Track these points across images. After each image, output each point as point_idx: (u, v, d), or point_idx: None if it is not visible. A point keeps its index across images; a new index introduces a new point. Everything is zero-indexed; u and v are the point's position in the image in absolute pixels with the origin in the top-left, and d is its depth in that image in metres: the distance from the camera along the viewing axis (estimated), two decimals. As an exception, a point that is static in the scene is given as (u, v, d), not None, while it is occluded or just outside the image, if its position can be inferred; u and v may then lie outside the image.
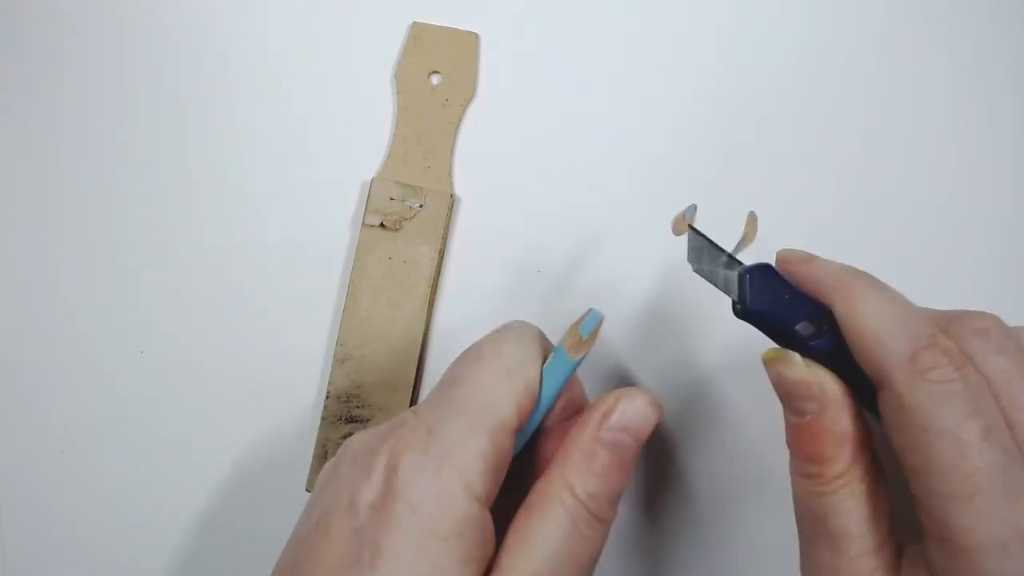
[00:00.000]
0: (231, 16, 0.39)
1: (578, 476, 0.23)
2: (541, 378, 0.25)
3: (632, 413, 0.24)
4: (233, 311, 0.37)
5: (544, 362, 0.26)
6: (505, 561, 0.22)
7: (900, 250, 0.35)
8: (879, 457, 0.24)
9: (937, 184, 0.35)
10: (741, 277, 0.25)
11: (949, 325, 0.24)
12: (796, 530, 0.25)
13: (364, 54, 0.38)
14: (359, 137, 0.37)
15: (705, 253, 0.25)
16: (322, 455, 0.35)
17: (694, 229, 0.25)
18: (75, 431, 0.36)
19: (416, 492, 0.22)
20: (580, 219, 0.36)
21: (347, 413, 0.35)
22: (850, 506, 0.23)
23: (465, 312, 0.36)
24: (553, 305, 0.35)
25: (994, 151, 0.36)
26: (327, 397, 0.35)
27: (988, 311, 0.25)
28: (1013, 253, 0.35)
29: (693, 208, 0.36)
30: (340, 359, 0.35)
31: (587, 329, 0.26)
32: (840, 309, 0.24)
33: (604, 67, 0.37)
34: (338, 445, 0.34)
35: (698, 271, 0.25)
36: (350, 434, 0.34)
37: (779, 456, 0.26)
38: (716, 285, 0.26)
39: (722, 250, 0.26)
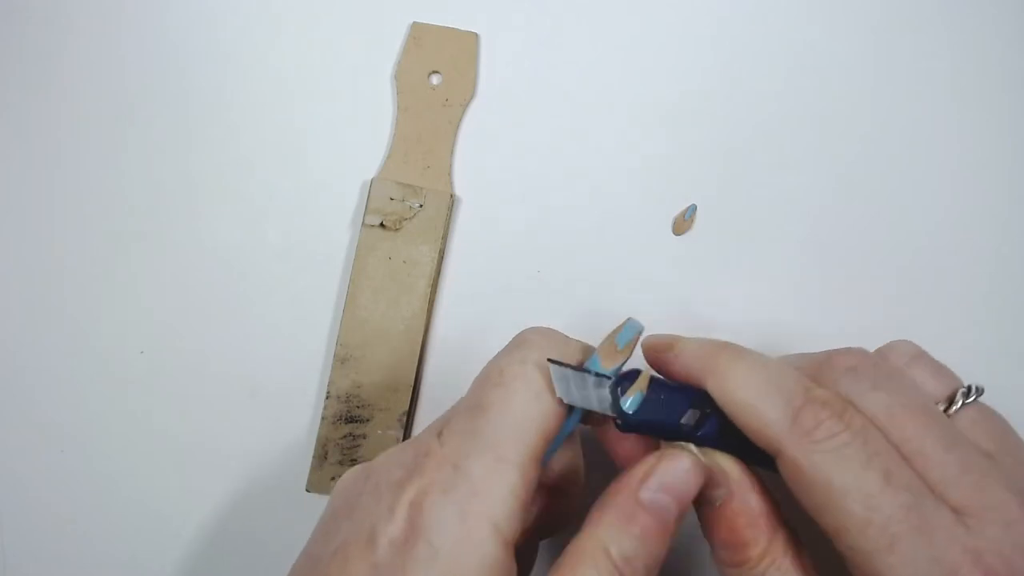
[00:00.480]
0: (231, 16, 0.39)
1: (614, 537, 0.22)
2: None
3: (674, 473, 0.23)
4: (233, 311, 0.37)
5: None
6: None
7: (900, 249, 0.35)
8: (792, 516, 0.24)
9: (937, 184, 0.35)
10: (613, 393, 0.24)
11: (820, 372, 0.24)
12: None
13: (364, 54, 0.38)
14: (359, 137, 0.37)
15: (571, 381, 0.24)
16: (322, 455, 0.35)
17: (553, 361, 0.24)
18: (75, 431, 0.36)
19: (439, 534, 0.21)
20: (580, 219, 0.36)
21: (347, 413, 0.35)
22: None
23: (465, 312, 0.36)
24: (553, 305, 0.35)
25: (994, 151, 0.36)
26: (327, 397, 0.35)
27: (859, 348, 0.25)
28: (1013, 253, 0.35)
29: (693, 208, 0.36)
30: (340, 359, 0.35)
31: (624, 339, 0.25)
32: (712, 389, 0.24)
33: (604, 67, 0.37)
34: (338, 445, 0.34)
35: (570, 402, 0.24)
36: (350, 434, 0.35)
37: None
38: (593, 409, 0.24)
39: (587, 371, 0.24)
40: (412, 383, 0.35)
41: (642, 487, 0.23)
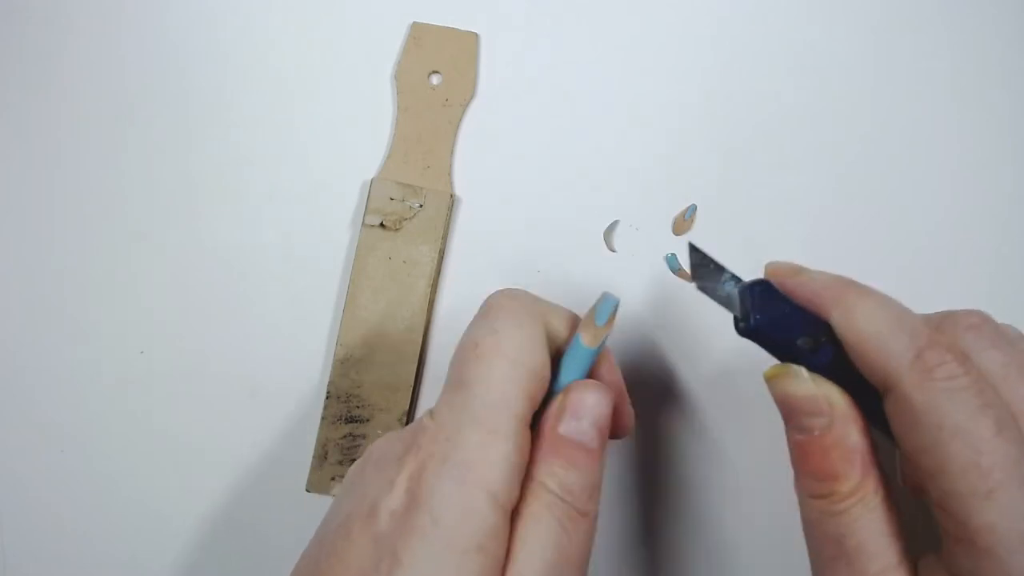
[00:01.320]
0: (231, 16, 0.39)
1: (548, 471, 0.24)
2: (559, 362, 0.26)
3: (583, 402, 0.24)
4: (233, 311, 0.37)
5: (545, 332, 0.25)
6: (508, 570, 0.22)
7: (900, 249, 0.35)
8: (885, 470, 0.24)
9: (937, 184, 0.35)
10: (742, 293, 0.25)
11: (942, 324, 0.24)
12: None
13: (364, 54, 0.38)
14: (359, 137, 0.37)
15: (710, 269, 0.25)
16: (322, 455, 0.35)
17: (695, 248, 0.25)
18: (75, 431, 0.36)
19: (439, 504, 0.22)
20: (580, 219, 0.36)
21: (347, 413, 0.35)
22: (867, 522, 0.23)
23: (465, 312, 0.36)
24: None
25: (994, 151, 0.36)
26: (327, 397, 0.35)
27: (981, 309, 0.25)
28: (1012, 253, 0.35)
29: (693, 208, 0.36)
30: (340, 359, 0.35)
31: (602, 316, 0.26)
32: (837, 318, 0.24)
33: (604, 67, 0.37)
34: (338, 445, 0.34)
35: (701, 288, 0.25)
36: (350, 434, 0.35)
37: (775, 458, 0.26)
38: (718, 302, 0.26)
39: (722, 267, 0.26)
40: (412, 383, 0.35)
41: (559, 423, 0.24)
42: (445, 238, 0.36)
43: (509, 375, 0.24)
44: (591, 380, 0.25)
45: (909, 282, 0.35)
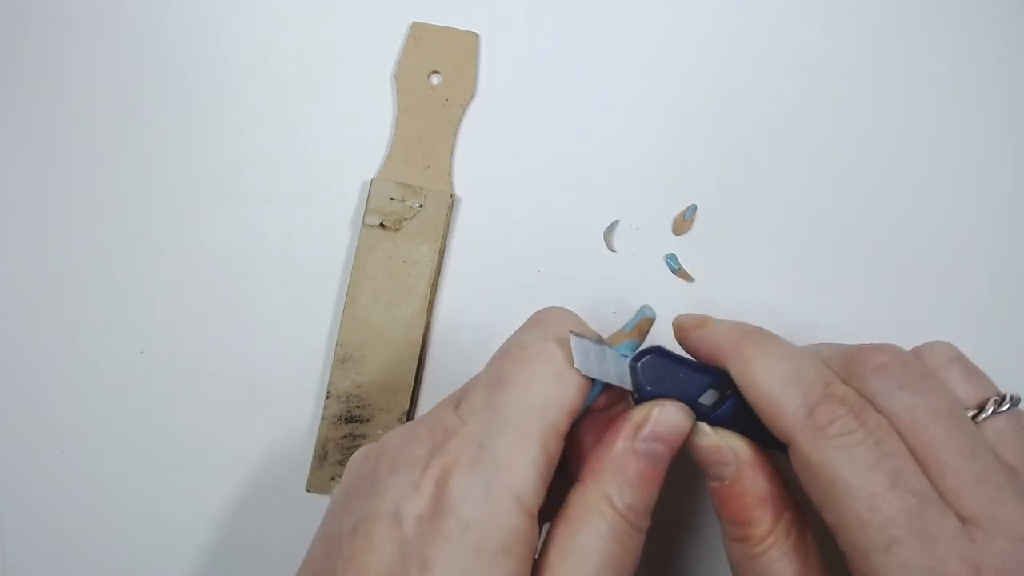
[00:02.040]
0: (231, 16, 0.39)
1: (615, 488, 0.23)
2: None
3: (665, 422, 0.24)
4: (233, 311, 0.37)
5: None
6: (549, 574, 0.22)
7: (900, 249, 0.35)
8: (803, 503, 0.24)
9: (937, 184, 0.35)
10: (632, 368, 0.25)
11: (849, 366, 0.24)
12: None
13: (364, 54, 0.38)
14: (359, 137, 0.37)
15: (591, 354, 0.25)
16: (322, 455, 0.35)
17: (574, 333, 0.24)
18: (75, 431, 0.36)
19: (467, 508, 0.22)
20: (580, 219, 0.36)
21: (347, 413, 0.35)
22: (782, 564, 0.23)
23: (465, 312, 0.36)
24: (553, 305, 0.35)
25: (994, 151, 0.36)
26: (327, 397, 0.35)
27: (892, 345, 0.25)
28: (1012, 253, 0.35)
29: (693, 208, 0.36)
30: (340, 359, 0.35)
31: (631, 323, 0.26)
32: (735, 373, 0.24)
33: (604, 67, 0.37)
34: (338, 445, 0.34)
35: (588, 374, 0.24)
36: (350, 434, 0.35)
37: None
38: (610, 382, 0.25)
39: (608, 345, 0.25)
40: (412, 383, 0.35)
41: (637, 438, 0.24)
42: (445, 238, 0.36)
43: (551, 382, 0.24)
44: (676, 400, 0.25)
45: (909, 282, 0.35)
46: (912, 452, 0.22)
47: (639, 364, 0.25)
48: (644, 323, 0.26)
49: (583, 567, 0.22)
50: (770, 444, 0.24)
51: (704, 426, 0.25)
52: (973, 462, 0.22)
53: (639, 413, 0.24)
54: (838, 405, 0.22)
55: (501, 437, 0.23)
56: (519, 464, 0.22)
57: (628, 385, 0.25)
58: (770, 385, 0.23)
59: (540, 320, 0.26)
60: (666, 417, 0.24)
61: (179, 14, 0.39)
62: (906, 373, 0.23)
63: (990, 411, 0.24)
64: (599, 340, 0.26)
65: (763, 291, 0.35)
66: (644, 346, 0.26)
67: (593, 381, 0.25)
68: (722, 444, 0.24)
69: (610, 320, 0.35)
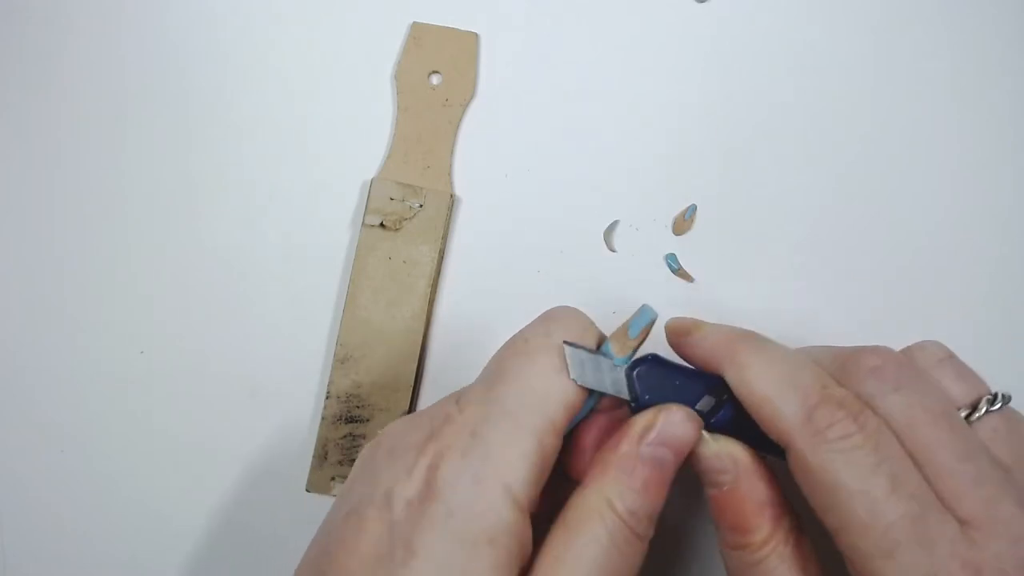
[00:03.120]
0: (231, 16, 0.39)
1: (617, 492, 0.23)
2: None
3: (672, 428, 0.24)
4: (233, 311, 0.37)
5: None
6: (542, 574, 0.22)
7: (900, 249, 0.35)
8: (800, 508, 0.24)
9: (937, 184, 0.35)
10: (628, 377, 0.25)
11: (844, 368, 0.24)
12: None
13: (364, 54, 0.38)
14: (359, 137, 0.37)
15: (586, 364, 0.24)
16: (322, 455, 0.35)
17: (569, 343, 0.24)
18: (75, 431, 0.36)
19: (455, 496, 0.22)
20: (580, 219, 0.36)
21: (347, 413, 0.35)
22: (782, 571, 0.23)
23: (465, 312, 0.36)
24: (553, 305, 0.35)
25: (993, 152, 0.36)
26: (327, 397, 0.35)
27: (884, 347, 0.24)
28: (1012, 253, 0.35)
29: (693, 208, 0.36)
30: (340, 359, 0.35)
31: (636, 327, 0.25)
32: (730, 379, 0.24)
33: (604, 67, 0.37)
34: (338, 445, 0.34)
35: (584, 384, 0.24)
36: (350, 434, 0.35)
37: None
38: (606, 392, 0.25)
39: (601, 354, 0.25)
40: (412, 383, 0.35)
41: (642, 442, 0.24)
42: (445, 238, 0.36)
43: (553, 378, 0.24)
44: (684, 406, 0.25)
45: (909, 282, 0.35)
46: (909, 454, 0.22)
47: (635, 373, 0.25)
48: (648, 326, 0.26)
49: (578, 571, 0.22)
50: (767, 448, 0.24)
51: (704, 433, 0.25)
52: (969, 463, 0.22)
53: (645, 417, 0.24)
54: (836, 408, 0.22)
55: (495, 427, 0.23)
56: (511, 456, 0.22)
57: (625, 394, 0.25)
58: (766, 390, 0.23)
59: (547, 318, 0.26)
60: (673, 422, 0.24)
61: (179, 14, 0.39)
62: (900, 375, 0.23)
63: (983, 410, 0.24)
64: (598, 347, 0.26)
65: (763, 291, 0.35)
66: (639, 354, 0.26)
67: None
68: (721, 451, 0.24)
69: (610, 320, 0.35)
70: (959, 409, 0.24)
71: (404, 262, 0.35)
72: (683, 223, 0.36)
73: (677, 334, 0.26)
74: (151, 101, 0.38)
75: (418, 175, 0.36)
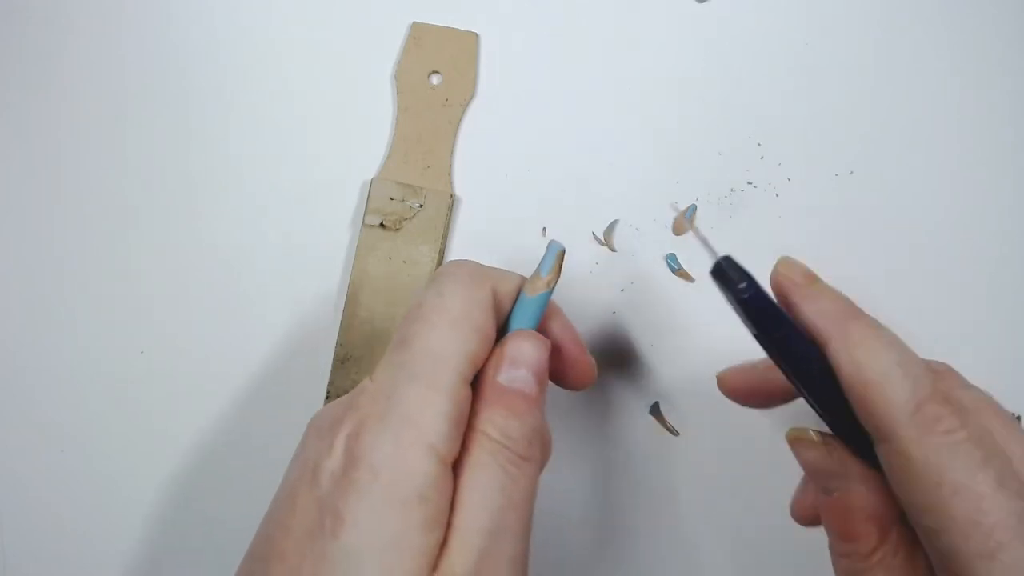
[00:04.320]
0: (231, 17, 0.39)
1: (488, 419, 0.24)
2: (508, 318, 0.26)
3: (520, 351, 0.25)
4: (233, 311, 0.37)
5: (492, 296, 0.26)
6: (454, 518, 0.22)
7: (900, 249, 0.35)
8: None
9: (937, 184, 0.35)
10: (744, 307, 0.24)
11: (938, 373, 0.24)
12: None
13: (364, 54, 0.38)
14: (359, 137, 0.37)
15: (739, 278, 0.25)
16: (322, 455, 0.35)
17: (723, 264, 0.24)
18: (75, 431, 0.36)
19: (377, 458, 0.22)
20: (580, 219, 0.36)
21: (347, 413, 0.35)
22: None
23: (465, 312, 0.36)
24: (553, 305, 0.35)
25: (993, 152, 0.36)
26: (327, 397, 0.35)
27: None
28: (1013, 253, 0.35)
29: (693, 208, 0.36)
30: (340, 359, 0.35)
31: (545, 267, 0.26)
32: (837, 351, 0.23)
33: (604, 67, 0.37)
34: (338, 445, 0.34)
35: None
36: (350, 434, 0.35)
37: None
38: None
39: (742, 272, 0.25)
40: (412, 383, 0.35)
41: (498, 372, 0.25)
42: (445, 238, 0.36)
43: (449, 333, 0.24)
44: (527, 330, 0.26)
45: (909, 282, 0.35)
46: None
47: (751, 303, 0.24)
48: (556, 263, 0.26)
49: (478, 502, 0.23)
50: (847, 434, 0.24)
51: (811, 433, 0.24)
52: None
53: (496, 351, 0.25)
54: (944, 403, 0.22)
55: (408, 388, 0.23)
56: (428, 414, 0.23)
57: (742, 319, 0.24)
58: (879, 372, 0.22)
59: (437, 276, 0.26)
60: (519, 347, 0.25)
61: (179, 14, 0.39)
62: (960, 378, 0.24)
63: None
64: (518, 292, 0.27)
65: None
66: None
67: (508, 324, 0.26)
68: (832, 459, 0.24)
69: (610, 320, 0.35)
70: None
71: (404, 262, 0.35)
72: (683, 223, 0.35)
73: (790, 278, 0.25)
74: (151, 101, 0.38)
75: (418, 175, 0.36)
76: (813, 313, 0.24)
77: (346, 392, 0.34)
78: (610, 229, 0.36)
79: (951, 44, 0.36)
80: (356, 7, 0.38)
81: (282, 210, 0.37)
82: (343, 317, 0.35)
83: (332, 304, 0.36)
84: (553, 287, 0.26)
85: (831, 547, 0.24)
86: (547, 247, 0.27)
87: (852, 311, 0.24)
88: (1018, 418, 0.24)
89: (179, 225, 0.37)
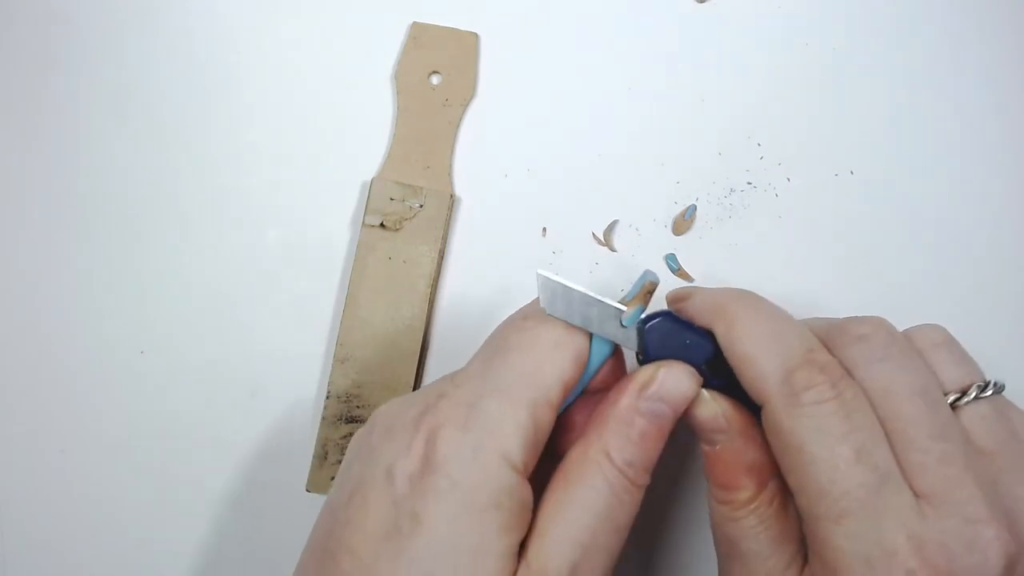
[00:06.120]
0: (231, 17, 0.39)
1: (616, 443, 0.24)
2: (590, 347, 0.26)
3: (671, 384, 0.24)
4: (233, 311, 0.37)
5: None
6: (544, 526, 0.23)
7: (900, 249, 0.35)
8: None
9: (937, 184, 0.35)
10: (639, 331, 0.25)
11: (830, 333, 0.24)
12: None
13: (364, 54, 0.38)
14: (359, 137, 0.37)
15: (558, 295, 0.24)
16: (322, 455, 0.35)
17: (542, 273, 0.24)
18: (75, 431, 0.36)
19: (455, 466, 0.22)
20: (580, 219, 0.36)
21: (347, 413, 0.35)
22: (760, 530, 0.24)
23: (465, 312, 0.36)
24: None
25: (993, 152, 0.36)
26: (327, 397, 0.35)
27: (878, 317, 0.25)
28: (1012, 253, 0.35)
29: (693, 208, 0.36)
30: (340, 359, 0.35)
31: (631, 293, 0.26)
32: (719, 334, 0.24)
33: (604, 67, 0.37)
34: (338, 445, 0.34)
35: (553, 313, 0.24)
36: (350, 434, 0.35)
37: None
38: (573, 323, 0.25)
39: (574, 288, 0.25)
40: (412, 383, 0.35)
41: (641, 397, 0.24)
42: (445, 238, 0.36)
43: (549, 353, 0.24)
44: (683, 363, 0.25)
45: (909, 282, 0.35)
46: (882, 423, 0.22)
47: (647, 327, 0.25)
48: (649, 286, 0.26)
49: (578, 518, 0.23)
50: (755, 408, 0.25)
51: (704, 392, 0.25)
52: (940, 442, 0.22)
53: (645, 373, 0.25)
54: (817, 372, 0.23)
55: (492, 401, 0.23)
56: (508, 427, 0.23)
57: (633, 346, 0.25)
58: (750, 347, 0.24)
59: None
60: (672, 378, 0.24)
61: (179, 14, 0.39)
62: (888, 346, 0.24)
63: (972, 395, 0.24)
64: (595, 297, 0.26)
65: (763, 291, 0.35)
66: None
67: (590, 352, 0.25)
68: (718, 411, 0.25)
69: (610, 320, 0.35)
70: (948, 393, 0.24)
71: (404, 262, 0.35)
72: (683, 223, 0.36)
73: (676, 300, 0.27)
74: (151, 102, 0.38)
75: (418, 175, 0.36)
76: (697, 312, 0.25)
77: (346, 392, 0.35)
78: (610, 229, 0.36)
79: (951, 44, 0.36)
80: (356, 7, 0.38)
81: (282, 210, 0.37)
82: (343, 317, 0.35)
83: (332, 304, 0.36)
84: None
85: (710, 493, 0.26)
86: (642, 275, 0.26)
87: (730, 296, 0.25)
88: (1000, 386, 0.24)
89: (179, 225, 0.37)
